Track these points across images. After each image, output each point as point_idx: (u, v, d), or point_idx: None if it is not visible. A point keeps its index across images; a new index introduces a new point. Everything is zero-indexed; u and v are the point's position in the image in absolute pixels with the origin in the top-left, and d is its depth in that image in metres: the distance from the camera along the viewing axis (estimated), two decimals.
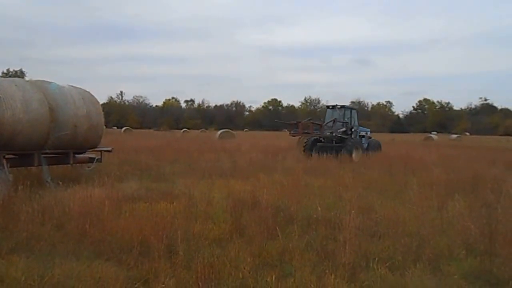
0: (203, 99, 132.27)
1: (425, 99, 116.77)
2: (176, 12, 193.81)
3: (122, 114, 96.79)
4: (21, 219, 5.08)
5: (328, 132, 17.00)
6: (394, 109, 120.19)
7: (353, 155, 16.09)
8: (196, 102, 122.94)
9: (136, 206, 6.52)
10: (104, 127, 10.54)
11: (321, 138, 17.40)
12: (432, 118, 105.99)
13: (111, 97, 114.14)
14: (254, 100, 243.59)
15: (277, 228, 5.13)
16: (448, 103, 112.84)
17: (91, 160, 10.02)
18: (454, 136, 53.53)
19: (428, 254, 4.53)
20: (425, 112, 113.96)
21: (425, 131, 75.31)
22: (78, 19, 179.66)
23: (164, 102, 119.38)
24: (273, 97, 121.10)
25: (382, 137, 36.75)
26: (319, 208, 5.93)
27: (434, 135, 51.32)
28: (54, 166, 9.38)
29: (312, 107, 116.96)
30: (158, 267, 3.95)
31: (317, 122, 17.64)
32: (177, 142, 25.38)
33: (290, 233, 5.17)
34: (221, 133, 35.00)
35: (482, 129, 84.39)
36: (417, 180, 9.35)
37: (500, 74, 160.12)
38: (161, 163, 12.95)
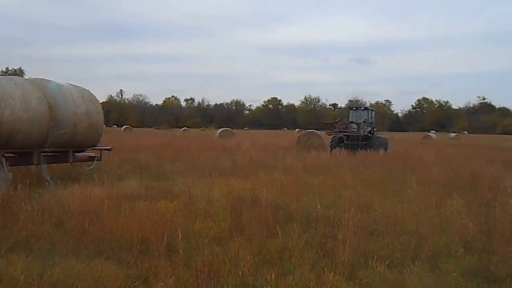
0: (203, 97, 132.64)
1: (424, 98, 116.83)
2: (176, 10, 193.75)
3: (122, 113, 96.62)
4: (21, 217, 5.09)
5: (362, 132, 18.37)
6: (393, 108, 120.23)
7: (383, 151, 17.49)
8: (196, 101, 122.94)
9: (136, 204, 6.52)
10: (104, 125, 10.54)
11: (345, 137, 18.70)
12: (430, 117, 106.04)
13: (111, 95, 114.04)
14: (254, 99, 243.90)
15: (277, 226, 5.14)
16: (447, 102, 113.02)
17: (90, 158, 10.03)
18: (453, 135, 53.56)
19: (426, 252, 4.55)
20: (424, 111, 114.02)
21: (423, 130, 75.26)
22: (78, 17, 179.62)
23: (164, 101, 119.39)
24: (273, 96, 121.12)
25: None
26: (318, 206, 5.94)
27: (432, 134, 51.36)
28: (54, 164, 9.39)
29: (312, 106, 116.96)
30: (158, 266, 3.96)
31: (353, 122, 19.00)
32: (177, 140, 25.38)
33: (289, 231, 5.18)
34: (221, 131, 34.97)
35: (480, 128, 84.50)
36: (416, 178, 9.37)
37: (499, 73, 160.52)
38: (161, 161, 12.95)
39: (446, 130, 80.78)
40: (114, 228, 4.98)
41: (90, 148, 10.08)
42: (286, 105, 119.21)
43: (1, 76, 9.98)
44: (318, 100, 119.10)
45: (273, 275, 3.84)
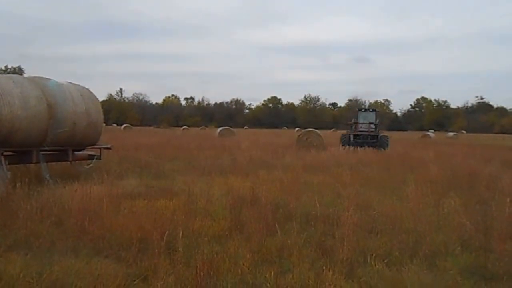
0: (203, 96, 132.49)
1: (422, 98, 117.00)
2: (176, 9, 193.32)
3: (122, 112, 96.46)
4: (20, 216, 5.08)
5: (377, 131, 21.43)
6: (392, 107, 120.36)
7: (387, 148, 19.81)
8: (196, 100, 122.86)
9: (135, 203, 6.53)
10: (104, 124, 10.54)
11: (356, 135, 21.35)
12: (429, 116, 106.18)
13: (111, 94, 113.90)
14: (254, 98, 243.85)
15: (276, 225, 5.15)
16: (445, 101, 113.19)
17: (90, 157, 10.02)
18: (451, 134, 53.60)
19: (424, 250, 4.57)
20: (423, 110, 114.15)
21: (422, 129, 75.38)
22: (78, 16, 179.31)
23: (164, 100, 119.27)
24: (273, 95, 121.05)
25: None
26: (317, 205, 5.95)
27: (431, 133, 51.36)
28: (53, 163, 9.38)
29: (312, 105, 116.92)
30: (158, 264, 3.97)
31: (371, 122, 21.94)
32: (177, 139, 25.36)
33: (289, 230, 5.19)
34: (221, 130, 34.91)
35: (478, 127, 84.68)
36: (414, 177, 9.40)
37: (497, 73, 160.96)
38: (161, 160, 12.95)
39: (444, 130, 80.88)
40: (114, 227, 4.99)
41: (90, 147, 10.07)
42: (286, 104, 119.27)
43: (0, 75, 9.95)
44: (318, 99, 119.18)
45: (272, 274, 3.86)
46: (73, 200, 5.95)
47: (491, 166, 12.71)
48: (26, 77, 9.36)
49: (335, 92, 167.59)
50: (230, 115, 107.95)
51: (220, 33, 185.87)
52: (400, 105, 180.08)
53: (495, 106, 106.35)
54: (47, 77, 9.24)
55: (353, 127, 22.08)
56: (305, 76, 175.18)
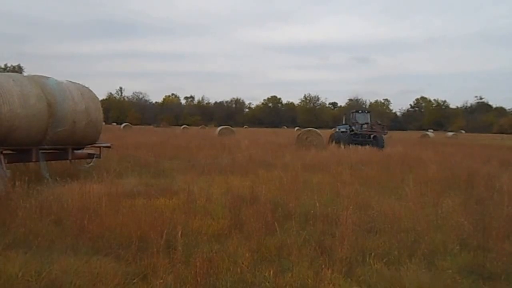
0: (203, 95, 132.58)
1: (422, 97, 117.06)
2: (176, 8, 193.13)
3: (122, 110, 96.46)
4: (19, 215, 5.09)
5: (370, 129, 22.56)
6: (391, 107, 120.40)
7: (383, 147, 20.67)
8: (196, 99, 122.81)
9: (135, 202, 6.53)
10: (103, 123, 10.53)
11: (354, 133, 22.52)
12: (428, 116, 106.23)
13: (111, 93, 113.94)
14: (254, 97, 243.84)
15: (276, 224, 5.16)
16: (445, 101, 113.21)
17: (89, 156, 10.02)
18: (450, 134, 53.58)
19: (423, 249, 4.57)
20: (422, 110, 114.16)
21: (422, 129, 75.38)
22: (77, 14, 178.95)
23: (164, 99, 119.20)
24: (272, 95, 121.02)
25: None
26: (317, 204, 5.96)
27: (430, 133, 51.35)
28: (53, 162, 9.38)
29: (312, 104, 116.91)
30: (157, 263, 3.97)
31: (379, 123, 24.12)
32: (176, 138, 25.35)
33: (288, 229, 5.20)
34: (220, 129, 34.86)
35: (477, 127, 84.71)
36: (413, 177, 9.39)
37: (496, 73, 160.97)
38: (161, 159, 12.94)
39: (443, 129, 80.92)
40: (113, 226, 4.99)
41: (90, 146, 10.07)
42: (286, 104, 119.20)
43: (0, 73, 9.94)
44: (318, 99, 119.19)
45: (271, 272, 3.87)
46: (72, 198, 5.95)
47: (489, 165, 12.72)
48: (25, 76, 9.35)
49: (335, 91, 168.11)
50: (230, 114, 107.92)
51: (221, 32, 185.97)
52: (399, 104, 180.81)
53: (494, 106, 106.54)
54: (46, 75, 9.24)
55: (356, 127, 22.81)
56: (305, 76, 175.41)
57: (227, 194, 7.17)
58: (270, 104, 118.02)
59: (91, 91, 10.00)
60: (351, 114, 24.33)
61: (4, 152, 8.00)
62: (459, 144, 29.76)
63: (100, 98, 10.93)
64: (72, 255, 4.20)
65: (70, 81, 9.67)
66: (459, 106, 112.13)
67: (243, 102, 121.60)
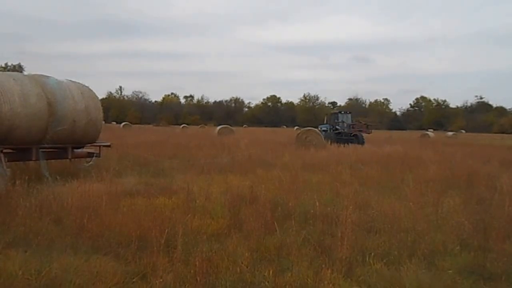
0: (203, 95, 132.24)
1: (422, 97, 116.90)
2: (176, 8, 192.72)
3: (121, 110, 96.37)
4: (19, 213, 5.09)
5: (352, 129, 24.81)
6: (391, 106, 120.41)
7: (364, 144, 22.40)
8: (196, 98, 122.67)
9: (134, 201, 6.53)
10: (103, 122, 10.53)
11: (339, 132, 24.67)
12: (428, 115, 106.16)
13: (110, 92, 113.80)
14: (253, 97, 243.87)
15: (275, 223, 5.16)
16: (445, 101, 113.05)
17: (89, 155, 10.02)
18: (450, 133, 53.55)
19: (423, 249, 4.58)
20: (422, 110, 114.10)
21: (421, 129, 75.27)
22: (77, 13, 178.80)
23: (163, 98, 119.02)
24: (272, 94, 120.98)
25: (379, 134, 36.79)
26: (316, 204, 5.95)
27: (430, 133, 51.29)
28: (52, 160, 9.38)
29: (311, 104, 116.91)
30: (156, 262, 3.97)
31: (363, 123, 26.49)
32: (176, 137, 25.35)
33: (287, 228, 5.19)
34: (220, 129, 34.82)
35: (478, 127, 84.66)
36: (413, 176, 9.39)
37: (496, 72, 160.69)
38: (160, 158, 12.94)
39: (443, 129, 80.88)
40: (113, 225, 4.99)
41: (89, 145, 10.07)
42: (285, 103, 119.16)
43: (0, 72, 9.94)
44: (317, 98, 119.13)
45: (271, 272, 3.86)
46: (72, 197, 5.95)
47: (490, 165, 12.72)
48: (26, 75, 9.35)
49: (334, 91, 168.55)
50: (229, 113, 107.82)
51: (220, 32, 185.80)
52: (399, 104, 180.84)
53: (494, 105, 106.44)
54: (47, 74, 9.24)
55: (340, 126, 25.30)
56: (305, 75, 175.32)
57: (227, 193, 7.17)
58: (269, 104, 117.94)
59: (91, 90, 10.00)
60: (335, 115, 27.26)
61: (4, 151, 8.00)
62: (459, 144, 29.77)
63: (100, 97, 10.91)
64: (71, 254, 4.20)
65: (70, 80, 9.66)
66: (459, 105, 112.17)
67: (242, 102, 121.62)
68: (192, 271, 3.75)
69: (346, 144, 20.94)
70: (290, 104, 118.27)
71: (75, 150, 9.61)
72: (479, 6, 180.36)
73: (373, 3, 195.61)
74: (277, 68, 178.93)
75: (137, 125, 60.77)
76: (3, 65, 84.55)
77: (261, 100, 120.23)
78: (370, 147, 19.61)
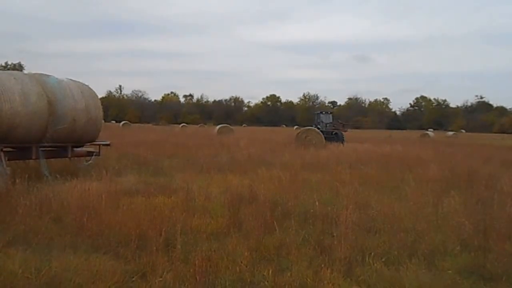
0: (202, 94, 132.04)
1: (422, 97, 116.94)
2: (176, 7, 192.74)
3: (121, 109, 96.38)
4: (19, 212, 5.09)
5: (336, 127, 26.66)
6: (391, 106, 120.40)
7: (344, 143, 23.34)
8: (195, 97, 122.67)
9: (134, 200, 6.53)
10: (103, 121, 10.52)
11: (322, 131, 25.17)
12: (428, 115, 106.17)
13: (110, 91, 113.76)
14: (253, 96, 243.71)
15: (275, 223, 5.16)
16: (445, 100, 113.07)
17: (89, 153, 10.01)
18: (450, 133, 53.56)
19: (423, 250, 4.57)
20: (422, 109, 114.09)
21: (421, 128, 75.31)
22: (77, 12, 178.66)
23: (163, 97, 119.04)
24: (271, 93, 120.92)
25: (378, 134, 36.82)
26: (316, 203, 5.95)
27: (430, 132, 51.34)
28: (52, 159, 9.37)
29: (311, 103, 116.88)
30: (156, 261, 3.97)
31: (340, 122, 28.34)
32: (175, 136, 25.36)
33: (287, 228, 5.19)
34: (219, 128, 34.83)
35: (478, 127, 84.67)
36: (413, 176, 9.38)
37: (496, 72, 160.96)
38: (160, 157, 12.94)
39: (443, 129, 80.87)
40: (112, 223, 4.99)
41: (89, 143, 10.07)
42: (285, 102, 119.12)
43: (1, 71, 9.94)
44: (317, 98, 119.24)
45: (270, 272, 3.86)
46: (72, 196, 5.95)
47: (490, 165, 12.71)
48: (26, 74, 9.33)
49: (334, 90, 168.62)
50: (228, 112, 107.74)
51: (220, 31, 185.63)
52: (399, 104, 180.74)
53: (494, 105, 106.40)
54: (47, 73, 9.23)
55: (321, 125, 26.84)
56: (305, 74, 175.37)
57: (226, 192, 7.16)
58: (269, 103, 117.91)
59: (91, 89, 10.00)
60: (317, 115, 28.50)
61: (5, 149, 8.00)
62: (459, 143, 29.78)
63: (100, 96, 10.90)
64: (71, 252, 4.20)
65: (70, 79, 9.66)
66: (459, 105, 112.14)
67: (242, 101, 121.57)
68: (191, 270, 3.75)
69: (329, 143, 22.34)
70: (289, 104, 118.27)
71: (75, 149, 9.61)
72: (479, 5, 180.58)
73: (373, 3, 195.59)
74: (277, 68, 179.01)
75: (137, 124, 60.81)
76: (3, 64, 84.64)
77: (261, 100, 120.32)
78: (370, 147, 19.61)
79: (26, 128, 8.04)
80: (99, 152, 10.15)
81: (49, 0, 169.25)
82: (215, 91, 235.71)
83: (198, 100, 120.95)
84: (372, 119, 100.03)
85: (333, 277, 3.81)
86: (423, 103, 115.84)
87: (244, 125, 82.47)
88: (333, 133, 25.90)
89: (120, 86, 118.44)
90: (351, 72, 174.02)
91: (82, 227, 4.88)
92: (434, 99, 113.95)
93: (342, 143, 23.20)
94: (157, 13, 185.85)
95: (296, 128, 46.46)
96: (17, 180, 6.31)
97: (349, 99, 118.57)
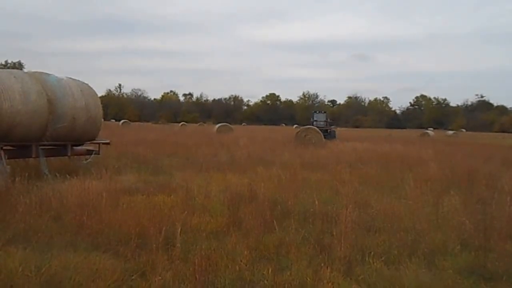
0: (202, 93, 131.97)
1: (422, 96, 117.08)
2: (176, 6, 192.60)
3: (121, 107, 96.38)
4: (19, 210, 5.08)
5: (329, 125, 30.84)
6: (391, 105, 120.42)
7: (336, 140, 26.18)
8: (195, 96, 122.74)
9: (133, 198, 6.53)
10: (102, 119, 10.52)
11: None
12: (428, 114, 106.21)
13: (110, 90, 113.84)
14: (252, 95, 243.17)
15: (274, 222, 5.15)
16: (445, 99, 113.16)
17: (89, 152, 10.01)
18: (450, 132, 53.58)
19: (423, 249, 4.56)
20: (422, 108, 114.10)
21: (421, 127, 75.31)
22: (77, 11, 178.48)
23: (162, 96, 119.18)
24: (271, 92, 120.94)
25: (378, 133, 36.80)
26: (316, 202, 5.94)
27: (430, 131, 51.32)
28: (52, 158, 9.37)
29: (310, 102, 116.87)
30: (156, 259, 3.97)
31: (328, 120, 31.76)
32: (175, 135, 25.34)
33: (287, 227, 5.19)
34: (219, 127, 34.82)
35: (478, 126, 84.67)
36: (413, 175, 9.37)
37: (497, 71, 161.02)
38: (159, 156, 12.93)
39: (444, 128, 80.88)
40: (112, 222, 4.98)
41: (89, 142, 10.06)
42: (284, 101, 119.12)
43: (1, 69, 9.94)
44: (317, 96, 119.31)
45: (270, 270, 3.85)
46: (71, 195, 5.94)
47: (490, 164, 12.70)
48: (26, 72, 9.32)
49: (334, 89, 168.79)
50: (228, 111, 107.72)
51: (219, 30, 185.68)
52: (399, 102, 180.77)
53: (495, 104, 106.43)
54: (47, 72, 9.22)
55: (315, 123, 29.34)
56: (304, 73, 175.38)
57: (226, 191, 7.15)
58: (268, 102, 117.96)
59: (90, 87, 9.98)
60: (312, 114, 32.17)
61: (5, 148, 7.99)
62: (459, 142, 29.78)
63: (99, 94, 10.90)
64: (71, 251, 4.20)
65: (70, 78, 9.65)
66: (459, 104, 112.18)
67: (241, 100, 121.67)
68: (191, 269, 3.74)
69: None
70: (289, 102, 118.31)
71: (74, 147, 9.60)
72: (479, 4, 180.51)
73: (373, 1, 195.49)
74: (277, 66, 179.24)
75: (136, 123, 60.75)
76: (3, 63, 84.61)
77: (260, 98, 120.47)
78: (370, 146, 19.59)
79: (26, 127, 8.03)
80: (98, 150, 10.15)
81: (49, 0, 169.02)
82: (214, 90, 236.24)
83: (197, 98, 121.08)
84: (372, 118, 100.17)
85: (332, 276, 3.81)
86: (423, 102, 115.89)
87: (243, 124, 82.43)
88: (328, 131, 29.07)
89: (119, 84, 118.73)
90: (351, 71, 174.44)
91: (82, 226, 4.87)
92: (434, 98, 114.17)
93: (332, 138, 26.30)
94: (157, 12, 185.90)
95: (296, 127, 46.48)
96: (17, 179, 6.30)
97: (349, 98, 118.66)
